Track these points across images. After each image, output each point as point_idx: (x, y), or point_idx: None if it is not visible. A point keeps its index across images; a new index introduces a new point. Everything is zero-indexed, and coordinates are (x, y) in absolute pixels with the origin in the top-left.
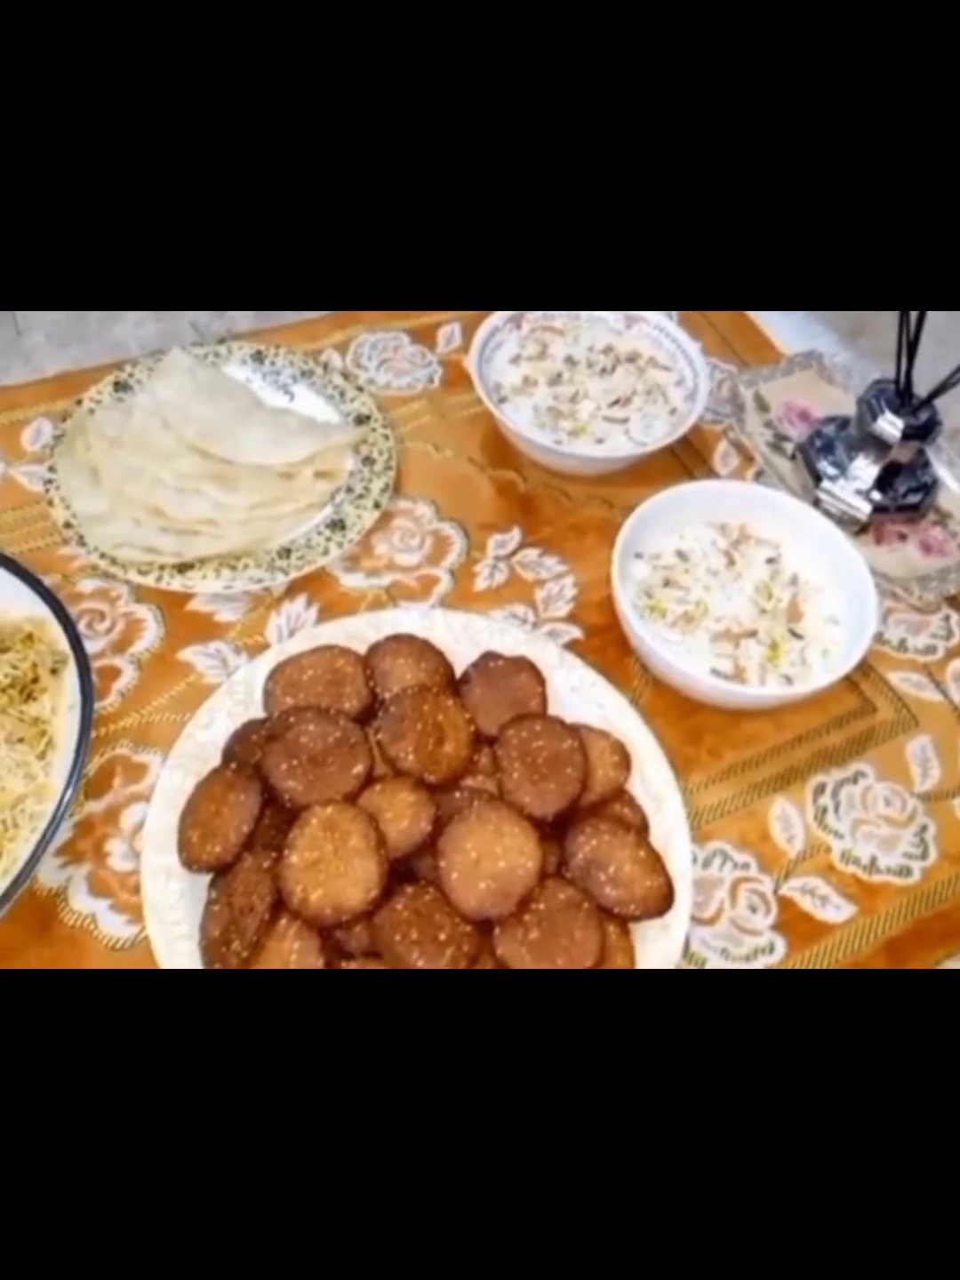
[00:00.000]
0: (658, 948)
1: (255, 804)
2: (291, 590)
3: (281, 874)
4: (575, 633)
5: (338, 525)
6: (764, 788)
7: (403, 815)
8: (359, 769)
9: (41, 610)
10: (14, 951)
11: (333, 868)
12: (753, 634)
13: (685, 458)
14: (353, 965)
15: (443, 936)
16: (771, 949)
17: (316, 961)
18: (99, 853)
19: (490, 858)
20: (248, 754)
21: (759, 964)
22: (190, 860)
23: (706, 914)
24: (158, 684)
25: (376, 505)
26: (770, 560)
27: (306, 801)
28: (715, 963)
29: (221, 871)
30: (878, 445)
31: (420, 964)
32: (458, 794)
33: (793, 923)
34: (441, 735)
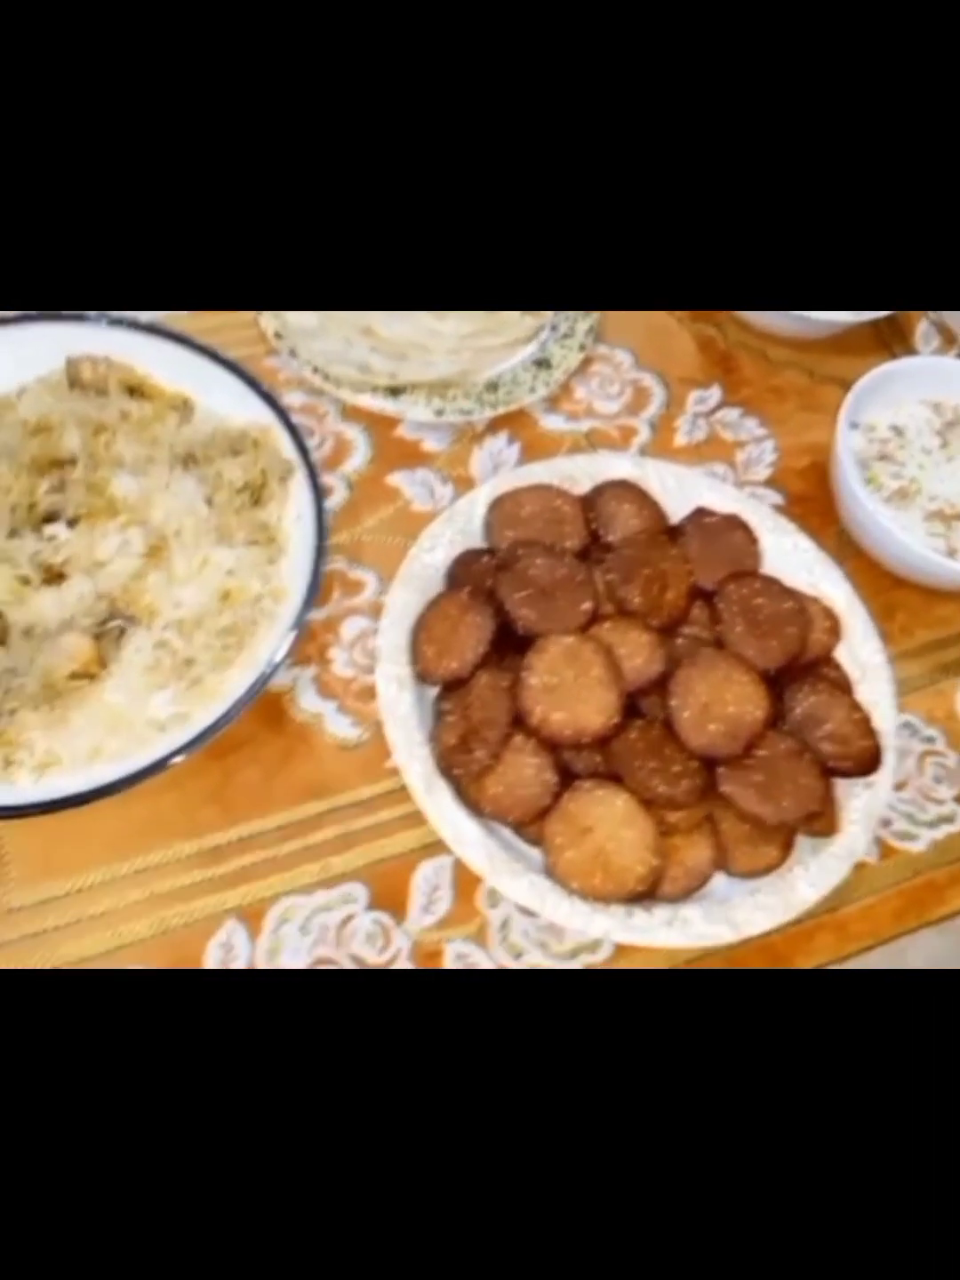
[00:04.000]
0: (860, 803)
1: (490, 626)
2: (494, 426)
3: (520, 694)
4: (775, 498)
5: (543, 364)
6: (954, 668)
7: (637, 653)
8: (587, 605)
9: (266, 417)
10: (251, 739)
11: (573, 693)
12: None
13: (886, 334)
14: (583, 785)
15: (676, 768)
16: (954, 819)
17: (552, 778)
18: (323, 657)
19: (719, 703)
20: (473, 579)
21: (941, 831)
22: (425, 673)
23: (894, 780)
24: (368, 505)
25: (581, 347)
26: None
27: (541, 630)
28: (900, 825)
29: (452, 686)
30: None
31: (660, 789)
32: (679, 640)
33: None
34: (665, 582)
